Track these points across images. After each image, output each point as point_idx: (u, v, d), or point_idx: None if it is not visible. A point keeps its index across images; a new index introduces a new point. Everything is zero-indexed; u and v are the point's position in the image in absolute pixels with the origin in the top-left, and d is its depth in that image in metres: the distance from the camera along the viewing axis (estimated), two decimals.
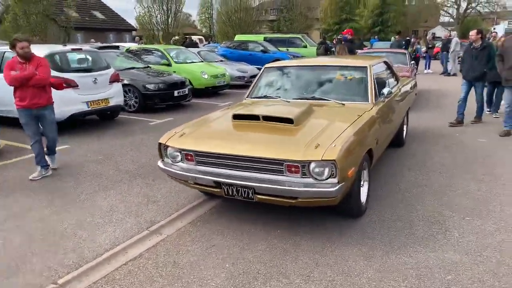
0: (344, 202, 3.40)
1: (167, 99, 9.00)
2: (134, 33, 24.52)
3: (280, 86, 4.86)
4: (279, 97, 4.56)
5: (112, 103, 7.47)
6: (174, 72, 10.91)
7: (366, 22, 51.40)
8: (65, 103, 6.47)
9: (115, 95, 7.53)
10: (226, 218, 3.74)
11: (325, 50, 21.24)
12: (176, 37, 16.87)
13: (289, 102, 4.38)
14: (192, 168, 3.53)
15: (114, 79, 7.57)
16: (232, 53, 18.25)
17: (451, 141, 6.32)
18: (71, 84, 6.64)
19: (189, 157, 3.55)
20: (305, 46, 19.16)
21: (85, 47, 8.43)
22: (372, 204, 3.90)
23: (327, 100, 4.28)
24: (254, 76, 13.10)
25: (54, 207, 4.05)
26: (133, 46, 13.75)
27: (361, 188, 3.67)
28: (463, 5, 44.30)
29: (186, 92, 9.40)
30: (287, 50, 19.33)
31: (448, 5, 46.11)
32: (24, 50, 4.62)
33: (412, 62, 10.42)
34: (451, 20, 47.94)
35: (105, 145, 6.32)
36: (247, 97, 4.84)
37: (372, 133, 3.88)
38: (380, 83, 4.88)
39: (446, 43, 16.73)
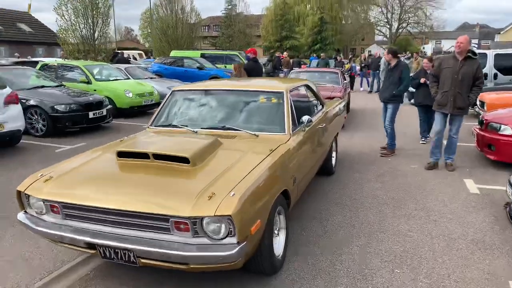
0: (253, 259, 2.77)
1: (80, 122, 8.00)
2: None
3: (188, 113, 4.18)
4: (186, 126, 3.88)
5: (7, 128, 6.39)
6: (95, 90, 9.93)
7: (306, 39, 52.74)
8: None
9: (11, 118, 6.47)
10: (113, 282, 2.96)
11: (273, 67, 21.18)
12: (103, 53, 15.70)
13: (196, 132, 3.72)
14: (59, 224, 2.74)
15: (11, 100, 6.50)
16: (167, 70, 17.41)
17: (383, 167, 5.97)
18: None
19: (55, 209, 2.75)
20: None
21: None
22: (291, 253, 3.30)
23: (239, 130, 3.66)
24: None
25: None
26: (52, 61, 12.50)
27: (276, 238, 3.06)
28: (395, 25, 46.79)
29: (104, 113, 8.45)
30: (225, 67, 18.84)
31: (381, 24, 48.51)
32: None
33: (345, 81, 10.24)
34: (385, 39, 50.46)
35: None
36: (150, 125, 4.11)
37: (288, 170, 3.31)
38: (300, 110, 4.38)
39: (377, 61, 17.06)
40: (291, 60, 22.67)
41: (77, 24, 15.00)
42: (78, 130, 8.14)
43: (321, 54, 19.13)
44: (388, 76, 6.54)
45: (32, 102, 7.66)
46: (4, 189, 4.98)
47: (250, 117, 3.93)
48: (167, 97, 4.33)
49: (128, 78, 11.49)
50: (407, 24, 47.31)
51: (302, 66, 21.15)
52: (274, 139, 3.54)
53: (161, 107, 4.26)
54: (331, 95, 8.74)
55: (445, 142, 5.82)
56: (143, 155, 2.97)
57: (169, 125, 3.97)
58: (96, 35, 15.28)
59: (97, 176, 2.92)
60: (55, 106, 7.64)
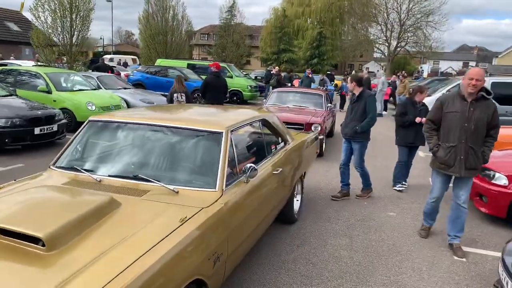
0: None
1: (23, 139, 7.08)
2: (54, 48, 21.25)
3: (100, 152, 3.31)
4: (92, 171, 3.02)
5: None
6: (54, 101, 9.09)
7: (304, 53, 52.38)
8: None
9: None
10: None
11: (278, 82, 20.25)
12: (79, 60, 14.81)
13: (99, 181, 2.85)
14: None
15: None
16: (148, 79, 16.60)
17: (356, 214, 5.10)
18: None
19: None
20: (231, 76, 17.93)
21: None
22: None
23: (154, 182, 2.79)
24: None
25: None
26: (14, 65, 11.67)
27: None
28: (394, 43, 46.34)
29: (55, 129, 7.55)
30: None
31: (380, 42, 48.05)
32: None
33: (329, 104, 9.42)
34: (383, 56, 50.00)
35: None
36: (52, 165, 3.23)
37: (208, 247, 2.43)
38: (249, 152, 3.54)
39: (368, 82, 16.29)
40: (282, 74, 21.88)
41: (55, 27, 14.15)
42: (21, 148, 7.22)
43: (307, 70, 18.10)
44: (351, 109, 5.46)
45: None
46: None
47: (174, 164, 3.06)
48: (81, 128, 3.47)
49: (97, 89, 10.63)
50: (406, 43, 46.80)
51: (295, 81, 20.34)
52: (199, 197, 2.69)
53: (72, 141, 3.39)
54: (310, 121, 7.97)
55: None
56: None
57: (72, 168, 3.10)
58: (74, 40, 14.40)
59: None
60: None
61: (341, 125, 5.76)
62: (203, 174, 2.92)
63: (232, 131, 3.17)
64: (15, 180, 3.07)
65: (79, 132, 3.43)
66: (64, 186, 2.73)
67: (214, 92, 8.90)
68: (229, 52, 28.89)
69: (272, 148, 4.02)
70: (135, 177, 2.86)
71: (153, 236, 2.18)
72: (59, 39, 14.38)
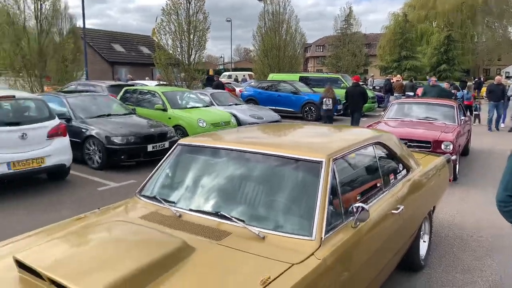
0: None
1: (136, 155, 7.34)
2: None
3: (186, 181, 2.90)
4: (174, 202, 2.64)
5: (49, 162, 5.89)
6: (169, 118, 9.42)
7: (429, 60, 48.18)
8: None
9: (55, 152, 5.97)
10: None
11: (384, 91, 19.38)
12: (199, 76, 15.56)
13: (180, 216, 2.46)
14: None
15: (56, 133, 6.05)
16: (260, 94, 16.66)
17: (509, 266, 3.89)
18: None
19: None
20: (345, 88, 17.00)
21: (22, 93, 6.83)
22: None
23: (237, 223, 2.26)
24: (271, 123, 11.32)
25: None
26: (138, 86, 12.67)
27: None
28: None
29: (166, 146, 7.69)
30: None
31: None
32: None
33: (463, 118, 7.95)
34: None
35: None
36: (137, 192, 2.96)
37: None
38: (357, 187, 2.78)
39: (499, 90, 12.86)
40: (404, 83, 20.13)
41: (175, 47, 15.11)
42: (135, 164, 7.50)
43: (432, 78, 15.51)
44: None
45: (90, 133, 7.24)
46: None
47: (262, 199, 2.48)
48: (169, 153, 3.13)
49: (209, 106, 10.83)
50: None
51: (418, 90, 18.33)
52: (290, 248, 2.08)
53: (157, 168, 3.07)
54: (439, 138, 6.72)
55: None
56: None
57: (154, 198, 2.77)
58: (191, 58, 15.17)
59: None
60: (111, 138, 7.09)
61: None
62: (296, 216, 2.29)
63: (335, 159, 2.48)
64: (98, 208, 2.86)
65: (166, 158, 3.09)
66: (137, 225, 2.33)
67: (353, 99, 11.06)
68: (345, 62, 27.80)
69: (390, 178, 3.19)
70: (217, 214, 2.38)
71: None
72: (179, 58, 15.25)
